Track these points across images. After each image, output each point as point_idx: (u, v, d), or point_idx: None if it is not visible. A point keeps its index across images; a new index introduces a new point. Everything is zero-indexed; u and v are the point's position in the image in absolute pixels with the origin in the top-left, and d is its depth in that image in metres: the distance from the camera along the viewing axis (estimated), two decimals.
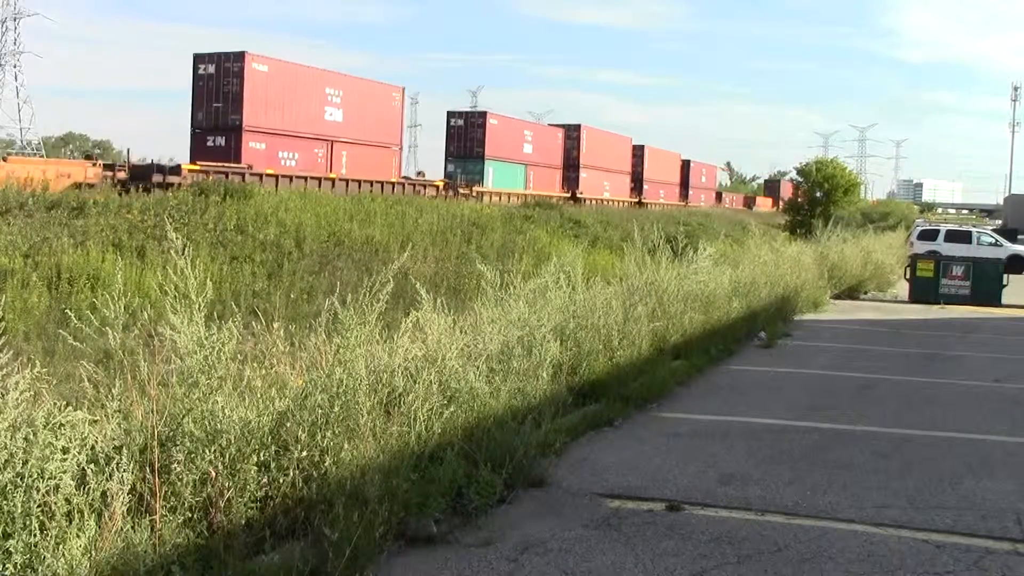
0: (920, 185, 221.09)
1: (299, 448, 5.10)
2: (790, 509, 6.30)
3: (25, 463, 3.97)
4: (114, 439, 4.46)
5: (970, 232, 36.48)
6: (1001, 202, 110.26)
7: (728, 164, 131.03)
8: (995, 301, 22.13)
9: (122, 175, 25.28)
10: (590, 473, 6.99)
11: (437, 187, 37.30)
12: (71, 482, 4.07)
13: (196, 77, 29.58)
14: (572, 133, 52.84)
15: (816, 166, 47.18)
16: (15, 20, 70.65)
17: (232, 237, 19.00)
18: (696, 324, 12.39)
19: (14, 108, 69.90)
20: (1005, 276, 22.99)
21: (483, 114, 45.28)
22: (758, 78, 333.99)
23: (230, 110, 29.00)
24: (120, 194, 21.54)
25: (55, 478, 4.02)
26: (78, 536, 3.96)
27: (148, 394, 4.60)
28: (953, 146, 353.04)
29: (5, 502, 3.88)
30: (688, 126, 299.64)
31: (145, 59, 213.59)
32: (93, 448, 4.32)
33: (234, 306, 6.79)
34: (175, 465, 4.60)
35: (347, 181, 31.82)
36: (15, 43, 70.94)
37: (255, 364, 5.69)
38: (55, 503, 3.99)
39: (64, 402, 4.47)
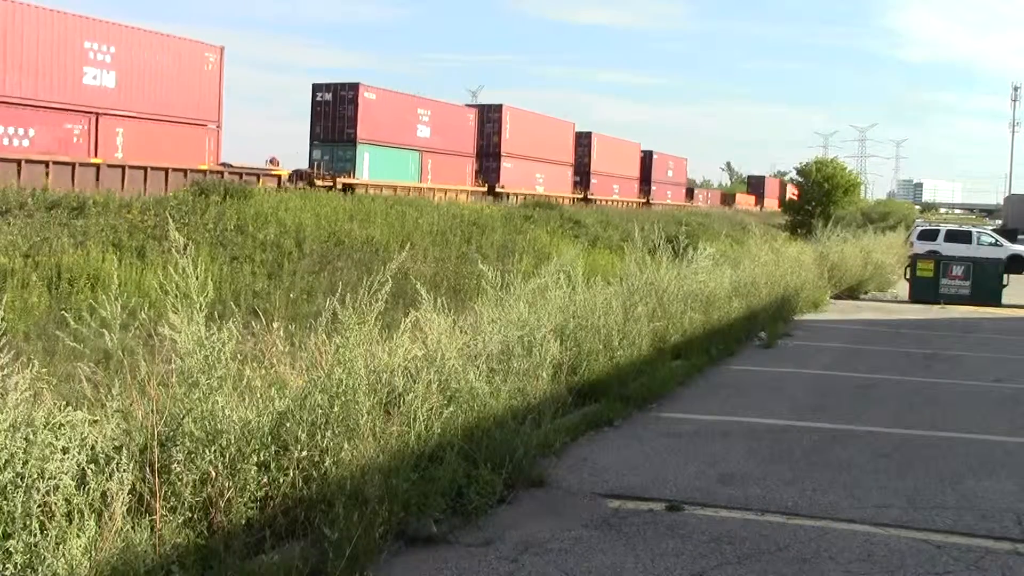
0: (920, 185, 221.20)
1: (299, 448, 5.10)
2: (790, 509, 6.30)
3: (25, 463, 3.97)
4: (114, 439, 4.45)
5: (970, 232, 36.48)
6: (1001, 202, 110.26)
7: (728, 164, 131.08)
8: (995, 301, 22.15)
9: None
10: (590, 473, 6.99)
11: (279, 177, 30.28)
12: (71, 482, 4.07)
13: None
14: (491, 115, 43.78)
15: (816, 166, 47.26)
16: None
17: (232, 237, 18.99)
18: (696, 324, 12.39)
19: None
20: (1005, 276, 23.01)
21: (355, 87, 34.80)
22: (758, 78, 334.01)
23: None
24: None
25: (55, 478, 4.02)
26: (78, 536, 3.96)
27: (148, 394, 4.60)
28: (953, 146, 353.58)
29: (5, 502, 3.88)
30: (688, 126, 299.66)
31: None
32: (93, 448, 4.32)
33: (234, 306, 6.79)
34: (175, 465, 4.60)
35: (123, 168, 24.03)
36: None
37: (255, 364, 5.69)
38: (55, 503, 3.99)
39: (64, 402, 4.47)
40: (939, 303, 22.05)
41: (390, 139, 36.05)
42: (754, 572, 5.20)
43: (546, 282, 9.21)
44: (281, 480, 5.01)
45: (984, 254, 29.23)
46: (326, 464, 5.16)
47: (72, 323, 4.83)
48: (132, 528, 4.19)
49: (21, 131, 22.47)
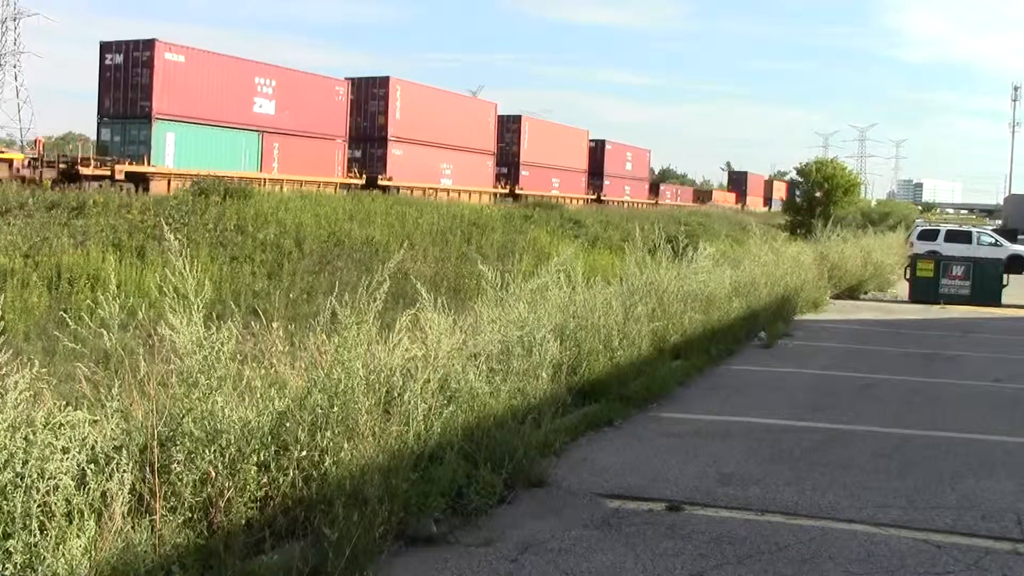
0: (920, 185, 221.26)
1: (299, 448, 5.10)
2: (790, 509, 6.30)
3: (25, 463, 3.97)
4: (114, 439, 4.45)
5: (970, 232, 36.47)
6: (1001, 202, 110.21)
7: (728, 164, 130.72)
8: (995, 301, 22.15)
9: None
10: (590, 473, 6.99)
11: (10, 163, 23.58)
12: (71, 482, 4.06)
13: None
14: (375, 89, 35.31)
15: (816, 166, 47.27)
16: (15, 20, 70.50)
17: (232, 237, 19.00)
18: (696, 324, 12.39)
19: (14, 108, 69.76)
20: (1005, 276, 23.00)
21: (151, 45, 26.68)
22: (758, 78, 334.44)
23: None
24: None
25: (55, 478, 4.01)
26: (78, 536, 3.96)
27: (148, 394, 4.60)
28: (953, 146, 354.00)
29: (5, 502, 3.88)
30: (688, 126, 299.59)
31: None
32: (93, 448, 4.31)
33: (234, 306, 6.79)
34: (175, 465, 4.59)
35: None
36: (15, 43, 70.78)
37: (255, 364, 5.68)
38: (55, 503, 3.99)
39: (64, 402, 4.47)
40: (939, 303, 22.04)
41: (210, 115, 28.48)
42: (754, 572, 5.19)
43: (546, 282, 9.21)
44: (281, 480, 5.01)
45: (984, 254, 29.22)
46: (326, 464, 5.16)
47: (71, 323, 4.83)
48: (132, 528, 4.19)
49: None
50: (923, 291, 22.72)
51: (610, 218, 35.60)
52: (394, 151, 35.45)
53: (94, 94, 27.79)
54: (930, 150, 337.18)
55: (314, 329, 5.99)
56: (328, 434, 5.22)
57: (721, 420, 9.02)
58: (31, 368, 4.29)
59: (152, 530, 4.33)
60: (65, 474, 4.05)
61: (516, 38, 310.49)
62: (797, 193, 44.92)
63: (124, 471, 4.22)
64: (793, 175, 55.07)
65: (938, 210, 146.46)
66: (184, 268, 4.91)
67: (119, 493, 4.16)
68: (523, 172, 46.01)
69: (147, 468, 4.45)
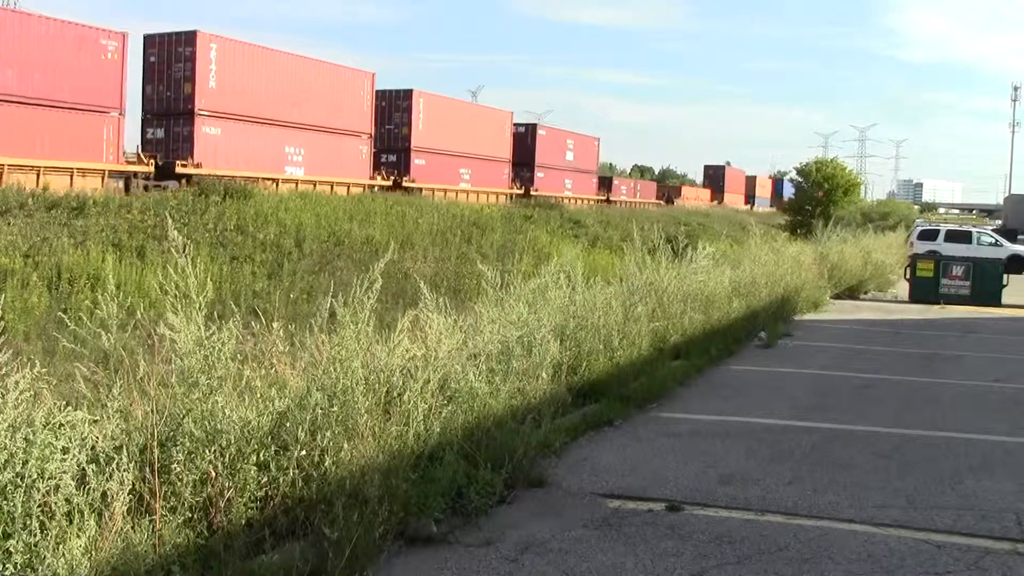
0: (920, 185, 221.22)
1: (299, 448, 5.09)
2: (790, 509, 6.30)
3: (25, 463, 3.97)
4: (114, 439, 4.45)
5: (970, 232, 36.46)
6: (1001, 202, 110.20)
7: (728, 164, 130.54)
8: (995, 301, 22.14)
9: None
10: (590, 473, 6.99)
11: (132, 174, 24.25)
12: (71, 482, 4.06)
13: None
14: (179, 47, 26.03)
15: (816, 166, 47.25)
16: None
17: (232, 237, 19.01)
18: (696, 324, 12.39)
19: None
20: (1005, 276, 23.00)
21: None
22: (758, 78, 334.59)
23: None
24: None
25: (55, 478, 4.01)
26: (78, 536, 3.96)
27: (148, 394, 4.60)
28: (953, 146, 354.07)
29: (5, 502, 3.88)
30: (688, 126, 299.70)
31: None
32: (93, 448, 4.31)
33: (234, 306, 6.77)
34: (175, 465, 4.59)
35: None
36: None
37: (255, 364, 5.68)
38: (55, 503, 3.99)
39: (64, 402, 4.47)
40: (939, 303, 22.04)
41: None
42: (754, 572, 5.19)
43: (546, 282, 9.21)
44: (281, 480, 5.01)
45: (984, 254, 29.21)
46: (326, 464, 5.16)
47: (70, 324, 4.82)
48: (132, 528, 4.19)
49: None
50: (923, 291, 22.72)
51: (609, 218, 35.63)
52: (207, 129, 27.30)
53: None
54: (930, 150, 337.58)
55: (314, 329, 5.99)
56: (328, 434, 5.22)
57: (721, 420, 9.02)
58: (31, 368, 4.29)
59: (152, 530, 4.32)
60: (65, 474, 4.05)
61: (516, 38, 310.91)
62: (785, 188, 44.49)
63: (124, 471, 4.22)
64: (793, 175, 55.02)
65: (939, 210, 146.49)
66: (187, 266, 4.91)
67: (119, 493, 4.16)
68: (416, 160, 35.89)
69: (147, 468, 4.45)
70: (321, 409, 5.28)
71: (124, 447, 4.39)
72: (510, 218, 30.07)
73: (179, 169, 25.75)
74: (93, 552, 3.99)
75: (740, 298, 14.67)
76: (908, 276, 23.71)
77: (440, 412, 6.18)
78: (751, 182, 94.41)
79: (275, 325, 5.99)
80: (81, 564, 3.92)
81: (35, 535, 3.88)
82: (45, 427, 4.10)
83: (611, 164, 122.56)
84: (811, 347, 14.38)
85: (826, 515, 6.19)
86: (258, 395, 5.24)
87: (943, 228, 37.24)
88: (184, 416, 4.73)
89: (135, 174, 25.04)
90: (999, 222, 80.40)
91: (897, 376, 12.00)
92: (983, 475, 7.27)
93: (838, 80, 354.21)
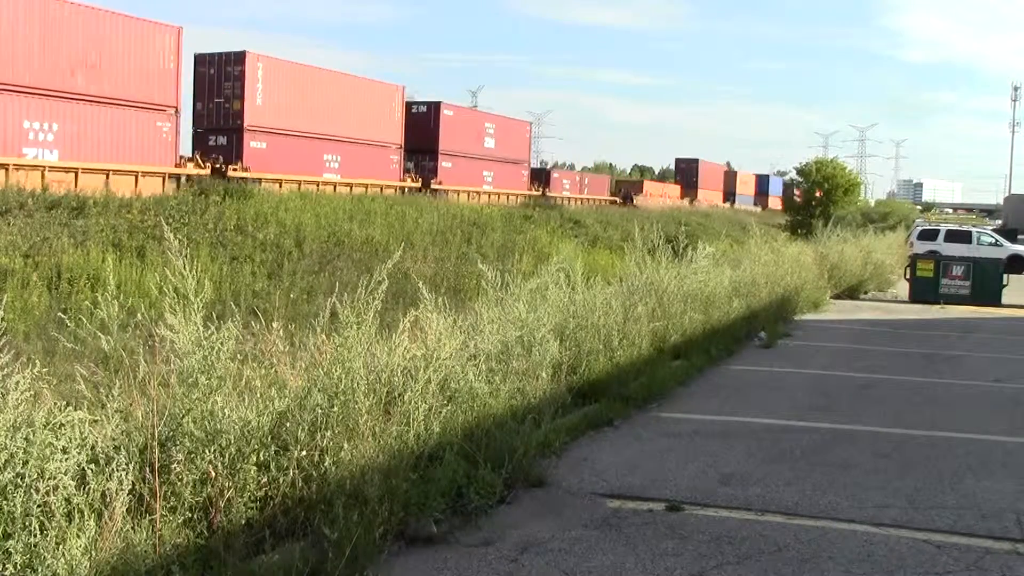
0: (920, 185, 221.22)
1: (299, 448, 5.10)
2: (790, 509, 6.30)
3: (25, 463, 3.97)
4: (114, 439, 4.45)
5: (970, 232, 36.44)
6: (1001, 202, 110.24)
7: (728, 164, 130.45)
8: (995, 301, 22.14)
9: None
10: (590, 473, 6.99)
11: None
12: (71, 482, 4.06)
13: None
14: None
15: (816, 166, 47.29)
16: None
17: (232, 237, 19.01)
18: (696, 324, 12.39)
19: None
20: (1005, 276, 23.00)
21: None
22: (758, 78, 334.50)
23: None
24: None
25: (55, 478, 4.01)
26: (78, 536, 3.96)
27: (148, 394, 4.60)
28: (953, 146, 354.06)
29: (5, 502, 3.88)
30: (688, 126, 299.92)
31: None
32: (93, 448, 4.31)
33: (234, 306, 6.79)
34: (175, 465, 4.59)
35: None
36: None
37: (255, 364, 5.69)
38: (55, 503, 3.99)
39: (64, 402, 4.47)
40: (939, 303, 22.04)
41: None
42: (754, 572, 5.19)
43: (545, 282, 9.21)
44: (281, 480, 5.01)
45: (984, 254, 29.21)
46: (326, 464, 5.16)
47: (69, 324, 4.82)
48: (132, 528, 4.19)
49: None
50: (923, 291, 22.73)
51: (609, 218, 35.64)
52: (252, 144, 29.29)
53: None
54: (930, 150, 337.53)
55: (314, 329, 5.99)
56: (328, 434, 5.23)
57: (721, 420, 9.02)
58: (31, 368, 4.29)
59: (152, 530, 4.33)
60: (65, 474, 4.05)
61: (516, 38, 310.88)
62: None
63: (124, 471, 4.22)
64: (793, 175, 55.02)
65: (938, 210, 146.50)
66: (184, 268, 4.91)
67: (119, 493, 4.16)
68: (251, 143, 28.78)
69: (147, 468, 4.45)
70: (321, 409, 5.28)
71: (124, 447, 4.39)
72: (510, 218, 30.11)
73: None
74: (93, 552, 3.99)
75: (740, 298, 14.68)
76: (908, 276, 23.71)
77: (440, 412, 6.18)
78: (730, 177, 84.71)
79: (275, 325, 5.99)
80: (81, 564, 3.92)
81: (35, 535, 3.88)
82: (45, 427, 4.11)
83: (611, 164, 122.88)
84: (811, 347, 14.39)
85: (826, 515, 6.19)
86: (258, 395, 5.24)
87: (943, 228, 37.21)
88: (184, 416, 4.73)
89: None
90: (999, 222, 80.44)
91: (897, 376, 12.00)
92: (983, 475, 7.27)
93: (838, 80, 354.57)
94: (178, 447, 4.66)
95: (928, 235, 35.05)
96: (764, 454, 7.75)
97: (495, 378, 7.13)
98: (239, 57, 28.60)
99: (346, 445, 5.25)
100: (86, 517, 4.03)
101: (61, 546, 3.92)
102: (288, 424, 5.20)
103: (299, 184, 29.55)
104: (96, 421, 4.47)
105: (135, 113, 25.00)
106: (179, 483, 4.58)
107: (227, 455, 4.75)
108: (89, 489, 4.13)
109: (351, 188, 31.86)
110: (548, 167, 59.71)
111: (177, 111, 26.52)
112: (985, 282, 22.45)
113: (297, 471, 5.08)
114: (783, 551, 5.51)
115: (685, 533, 5.77)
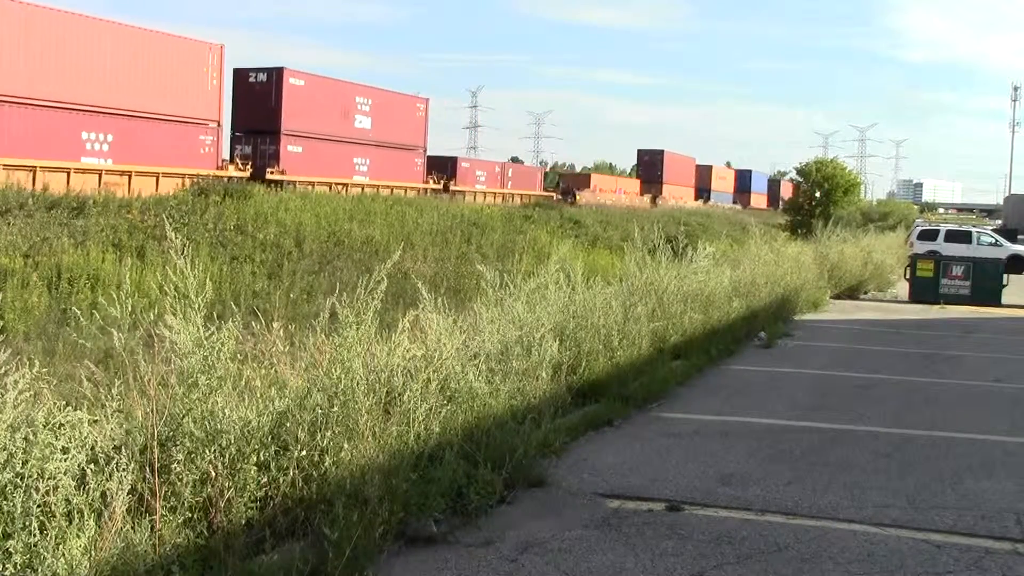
0: (920, 185, 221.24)
1: (299, 448, 5.10)
2: (790, 509, 6.30)
3: (25, 463, 3.97)
4: (114, 439, 4.45)
5: (970, 232, 36.43)
6: (1001, 202, 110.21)
7: (728, 164, 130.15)
8: (995, 301, 22.14)
9: None
10: (590, 473, 6.99)
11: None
12: (71, 482, 4.06)
13: None
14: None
15: (816, 166, 47.20)
16: None
17: (232, 237, 19.00)
18: (696, 324, 12.39)
19: None
20: (1005, 276, 23.00)
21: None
22: (758, 78, 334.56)
23: None
24: None
25: (55, 478, 4.01)
26: (78, 536, 3.96)
27: (148, 394, 4.60)
28: (953, 146, 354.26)
29: (5, 502, 3.88)
30: (688, 126, 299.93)
31: None
32: (93, 448, 4.31)
33: (234, 306, 6.78)
34: (175, 465, 4.59)
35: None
36: None
37: (255, 364, 5.68)
38: (55, 503, 3.99)
39: (64, 402, 4.47)
40: (939, 303, 22.03)
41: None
42: (754, 572, 5.19)
43: (545, 282, 9.21)
44: (281, 480, 5.01)
45: (984, 254, 29.20)
46: (326, 464, 5.16)
47: (70, 324, 4.83)
48: (132, 528, 4.19)
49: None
50: (923, 291, 22.72)
51: (609, 218, 35.61)
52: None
53: None
54: (930, 150, 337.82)
55: (314, 329, 5.99)
56: (328, 434, 5.22)
57: (721, 420, 9.02)
58: (31, 368, 4.29)
59: (152, 530, 4.32)
60: (65, 474, 4.05)
61: (516, 38, 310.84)
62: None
63: (124, 471, 4.22)
64: (793, 175, 54.94)
65: (939, 210, 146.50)
66: (185, 267, 4.90)
67: (119, 493, 4.15)
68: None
69: (147, 468, 4.45)
70: (321, 409, 5.28)
71: (124, 447, 4.39)
72: (510, 218, 30.13)
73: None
74: (93, 552, 3.99)
75: (740, 298, 14.67)
76: (908, 276, 23.71)
77: (440, 412, 6.18)
78: (704, 172, 76.13)
79: (275, 325, 5.99)
80: (81, 564, 3.92)
81: (35, 535, 3.88)
82: (45, 427, 4.10)
83: (611, 164, 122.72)
84: (811, 347, 14.38)
85: (826, 515, 6.19)
86: (258, 395, 5.24)
87: (943, 228, 37.21)
88: (184, 416, 4.73)
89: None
90: (999, 222, 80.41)
91: (897, 376, 12.00)
92: (983, 475, 7.27)
93: (838, 80, 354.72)
94: (178, 447, 4.66)
95: (928, 235, 35.04)
96: (764, 454, 7.75)
97: (495, 378, 7.13)
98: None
99: (346, 445, 5.25)
100: (86, 517, 4.03)
101: (61, 546, 3.92)
102: (288, 424, 5.19)
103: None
104: (96, 421, 4.47)
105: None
106: (179, 483, 4.57)
107: (227, 455, 4.75)
108: (89, 489, 4.13)
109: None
110: (457, 157, 49.35)
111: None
112: (985, 282, 22.45)
113: (297, 471, 5.07)
114: (783, 551, 5.51)
115: (685, 533, 5.77)
